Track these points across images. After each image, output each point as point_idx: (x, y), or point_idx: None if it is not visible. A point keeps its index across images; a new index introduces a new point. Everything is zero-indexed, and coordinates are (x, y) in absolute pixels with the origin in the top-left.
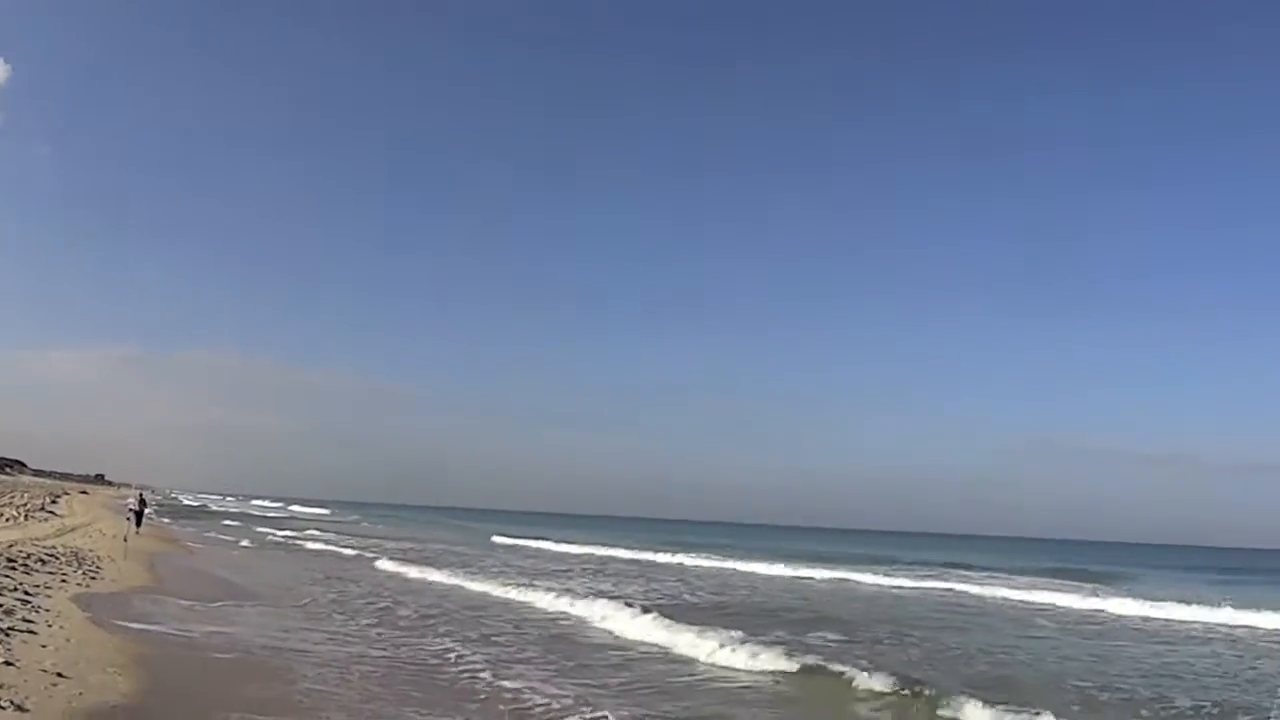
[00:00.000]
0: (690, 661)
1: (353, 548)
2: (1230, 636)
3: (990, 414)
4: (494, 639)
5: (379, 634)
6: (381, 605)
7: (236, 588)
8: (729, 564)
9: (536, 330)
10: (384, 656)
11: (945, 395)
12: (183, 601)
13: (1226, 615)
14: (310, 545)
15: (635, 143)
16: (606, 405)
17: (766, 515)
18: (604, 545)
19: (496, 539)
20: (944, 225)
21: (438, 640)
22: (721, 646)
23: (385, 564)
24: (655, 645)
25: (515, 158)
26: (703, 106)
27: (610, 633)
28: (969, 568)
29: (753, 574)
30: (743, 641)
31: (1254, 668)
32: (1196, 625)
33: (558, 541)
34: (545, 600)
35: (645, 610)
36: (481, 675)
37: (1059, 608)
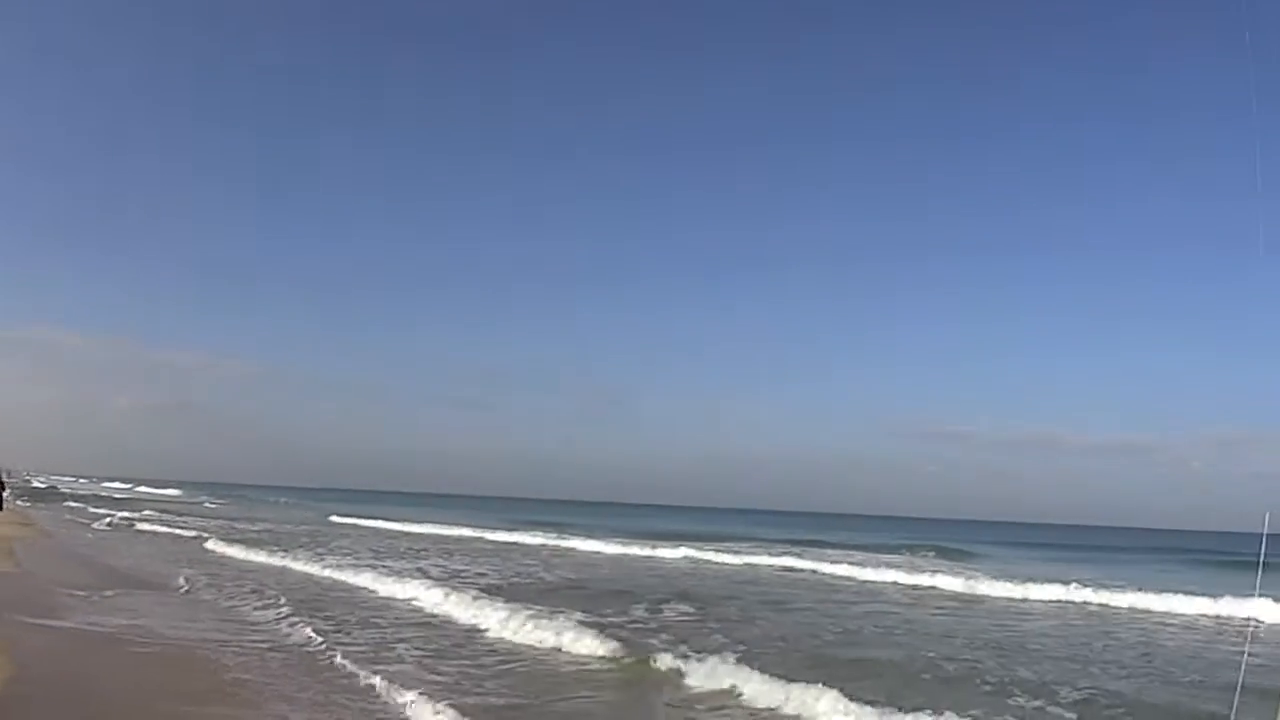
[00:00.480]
0: (515, 643)
1: (190, 529)
2: (1083, 612)
3: (863, 397)
4: (373, 620)
5: (275, 620)
6: (250, 589)
7: (115, 574)
8: (583, 544)
9: (403, 312)
10: (296, 645)
11: (820, 376)
12: (78, 591)
13: (1072, 591)
14: (147, 527)
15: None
16: (475, 385)
17: (634, 494)
18: (458, 525)
19: (335, 518)
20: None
21: (323, 625)
22: (512, 617)
23: (218, 547)
24: (489, 631)
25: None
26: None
27: (448, 617)
28: (830, 545)
29: (616, 555)
30: (582, 624)
31: (1105, 641)
32: (1042, 602)
33: (420, 523)
34: (396, 587)
35: (491, 594)
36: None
37: (903, 584)
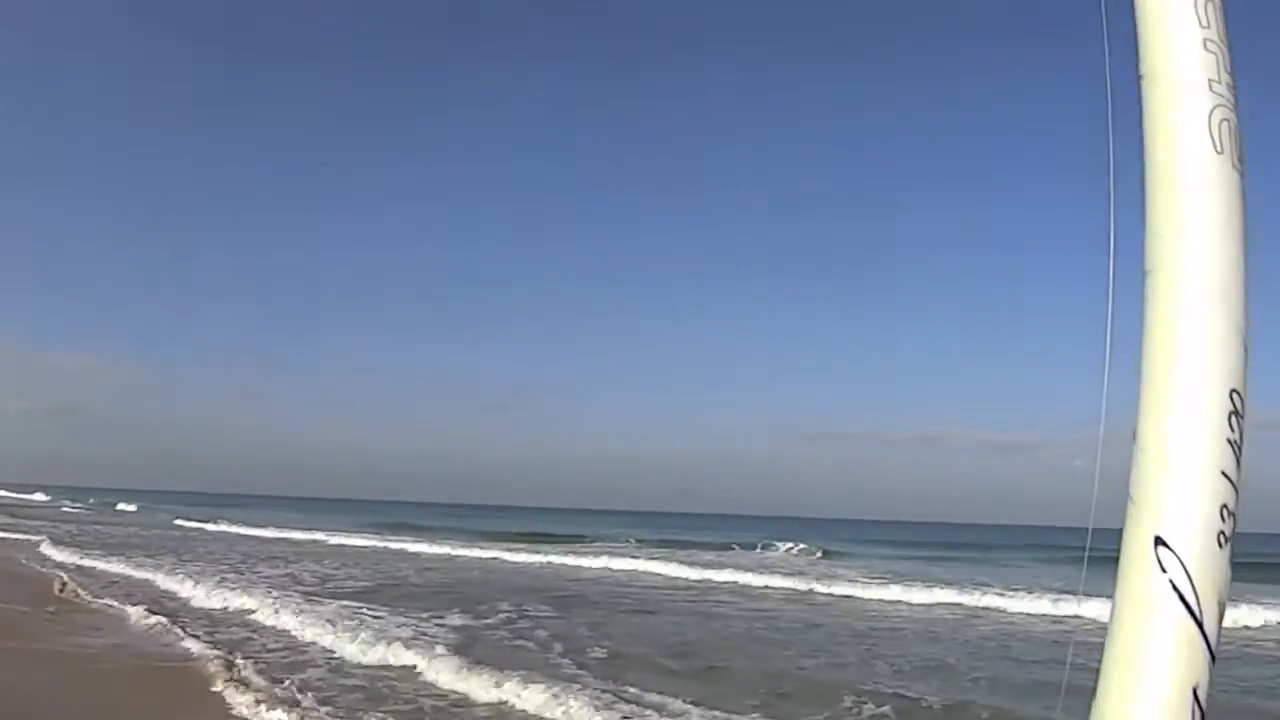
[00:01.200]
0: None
1: (34, 534)
2: (950, 610)
3: (736, 397)
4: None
5: (211, 633)
6: (141, 597)
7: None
8: (460, 549)
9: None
10: (258, 655)
11: (687, 378)
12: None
13: (935, 592)
14: None
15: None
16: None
17: (508, 496)
18: (316, 530)
19: (178, 521)
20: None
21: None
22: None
23: (54, 552)
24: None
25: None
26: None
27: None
28: (704, 546)
29: (493, 559)
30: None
31: (966, 635)
32: (908, 604)
33: (260, 525)
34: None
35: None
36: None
37: (776, 586)
